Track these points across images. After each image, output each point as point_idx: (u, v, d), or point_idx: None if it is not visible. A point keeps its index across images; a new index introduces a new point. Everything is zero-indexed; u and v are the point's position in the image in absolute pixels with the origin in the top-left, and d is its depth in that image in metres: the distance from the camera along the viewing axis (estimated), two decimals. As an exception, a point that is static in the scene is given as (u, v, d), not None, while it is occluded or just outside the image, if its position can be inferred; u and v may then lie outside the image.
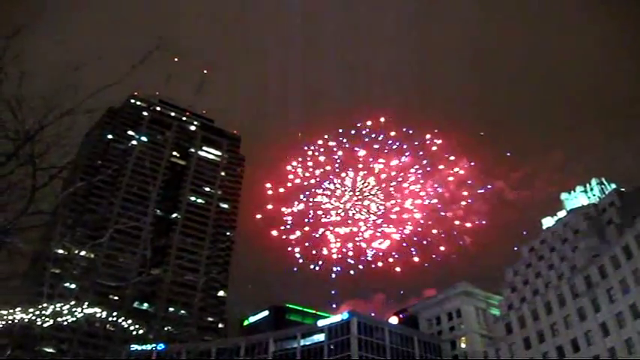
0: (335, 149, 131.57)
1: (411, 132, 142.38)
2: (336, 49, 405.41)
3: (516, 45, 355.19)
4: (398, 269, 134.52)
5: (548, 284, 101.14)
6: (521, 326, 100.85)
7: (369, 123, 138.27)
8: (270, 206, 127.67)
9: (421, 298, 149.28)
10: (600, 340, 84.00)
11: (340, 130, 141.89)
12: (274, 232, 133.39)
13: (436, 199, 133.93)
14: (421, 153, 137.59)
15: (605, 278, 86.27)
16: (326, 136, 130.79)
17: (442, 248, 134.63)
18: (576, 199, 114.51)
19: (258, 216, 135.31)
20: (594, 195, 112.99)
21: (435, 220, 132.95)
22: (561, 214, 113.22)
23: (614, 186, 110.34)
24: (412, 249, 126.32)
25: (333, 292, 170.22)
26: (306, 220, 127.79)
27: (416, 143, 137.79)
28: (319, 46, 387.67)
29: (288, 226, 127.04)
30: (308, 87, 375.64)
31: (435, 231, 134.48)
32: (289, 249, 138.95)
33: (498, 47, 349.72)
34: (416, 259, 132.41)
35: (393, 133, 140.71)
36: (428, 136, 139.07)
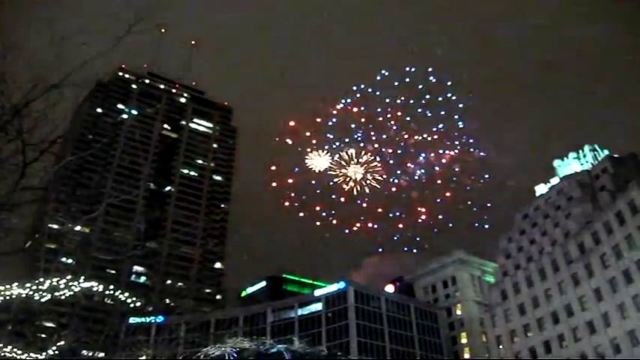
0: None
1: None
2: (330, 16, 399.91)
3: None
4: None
5: (542, 251, 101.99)
6: (516, 292, 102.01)
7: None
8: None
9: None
10: (594, 305, 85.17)
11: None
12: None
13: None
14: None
15: (599, 244, 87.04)
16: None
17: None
18: (569, 165, 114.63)
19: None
20: (587, 161, 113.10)
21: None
22: (554, 180, 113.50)
23: (606, 152, 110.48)
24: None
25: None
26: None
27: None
28: (312, 14, 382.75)
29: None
30: (301, 55, 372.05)
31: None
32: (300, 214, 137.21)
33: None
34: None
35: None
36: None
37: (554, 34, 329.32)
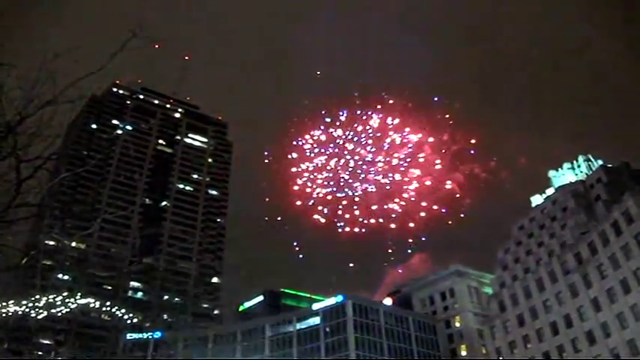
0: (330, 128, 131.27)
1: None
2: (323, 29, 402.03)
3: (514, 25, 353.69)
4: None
5: (539, 261, 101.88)
6: (514, 304, 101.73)
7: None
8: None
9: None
10: (592, 315, 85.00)
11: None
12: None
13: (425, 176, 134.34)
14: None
15: (595, 254, 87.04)
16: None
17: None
18: (564, 176, 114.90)
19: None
20: (581, 172, 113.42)
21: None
22: (549, 191, 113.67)
23: (600, 162, 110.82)
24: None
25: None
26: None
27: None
28: (303, 27, 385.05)
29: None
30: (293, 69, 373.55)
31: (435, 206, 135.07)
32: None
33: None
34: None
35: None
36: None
37: (552, 41, 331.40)
